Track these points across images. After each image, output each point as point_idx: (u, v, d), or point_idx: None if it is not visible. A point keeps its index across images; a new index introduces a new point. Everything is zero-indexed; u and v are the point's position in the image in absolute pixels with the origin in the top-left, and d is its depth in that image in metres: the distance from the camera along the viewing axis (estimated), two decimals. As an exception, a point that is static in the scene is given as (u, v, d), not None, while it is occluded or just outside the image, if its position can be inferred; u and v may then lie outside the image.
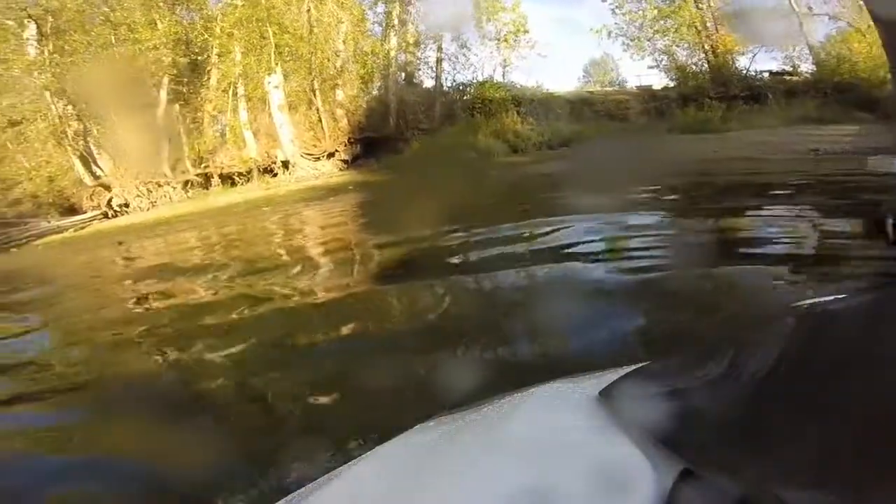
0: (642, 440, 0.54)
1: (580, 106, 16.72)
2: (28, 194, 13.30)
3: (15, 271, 8.74)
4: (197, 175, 14.57)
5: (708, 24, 16.51)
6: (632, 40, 17.06)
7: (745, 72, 16.47)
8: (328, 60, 15.40)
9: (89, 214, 13.48)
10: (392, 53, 16.17)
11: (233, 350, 2.93)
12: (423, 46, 16.55)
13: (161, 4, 14.06)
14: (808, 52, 15.95)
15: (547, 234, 4.78)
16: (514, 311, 3.03)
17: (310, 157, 15.27)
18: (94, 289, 5.95)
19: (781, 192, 5.92)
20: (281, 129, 15.04)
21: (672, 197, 6.41)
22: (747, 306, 2.56)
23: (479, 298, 3.54)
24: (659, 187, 6.66)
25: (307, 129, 15.45)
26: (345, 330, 3.11)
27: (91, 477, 1.90)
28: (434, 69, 16.63)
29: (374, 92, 16.25)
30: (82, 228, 13.07)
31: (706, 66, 16.66)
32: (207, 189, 14.62)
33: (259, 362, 2.75)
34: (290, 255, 6.12)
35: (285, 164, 15.02)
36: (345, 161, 15.41)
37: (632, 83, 17.66)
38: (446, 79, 16.71)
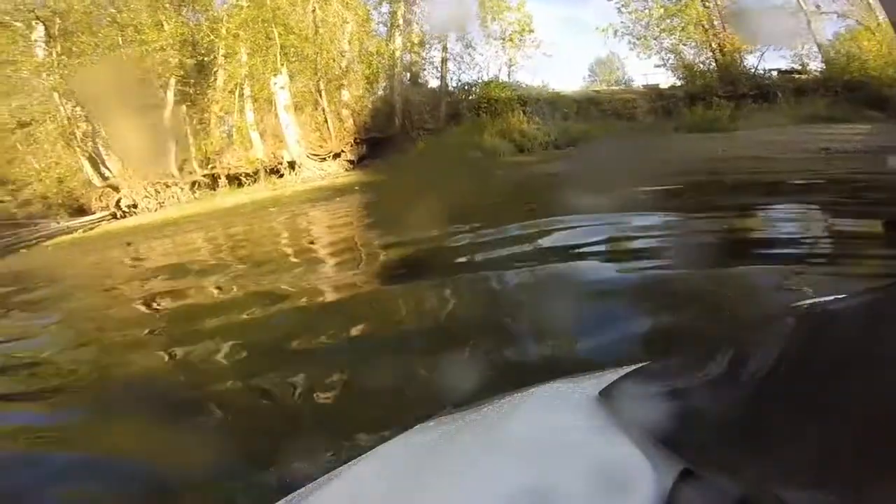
0: (642, 440, 0.54)
1: (587, 105, 16.65)
2: (38, 195, 13.45)
3: (25, 272, 8.83)
4: (204, 176, 14.67)
5: (715, 23, 16.37)
6: (638, 39, 16.97)
7: (753, 70, 16.32)
8: (333, 61, 15.43)
9: (98, 215, 13.61)
10: (397, 53, 16.19)
11: (239, 349, 2.95)
12: (428, 46, 16.57)
13: (167, 6, 14.17)
14: (816, 50, 15.80)
15: (552, 233, 4.77)
16: (519, 311, 3.02)
17: (316, 157, 15.31)
18: (103, 289, 6.00)
19: (790, 191, 5.87)
20: (287, 130, 15.10)
21: (679, 197, 6.38)
22: (753, 307, 2.54)
23: (485, 297, 3.54)
24: (666, 187, 6.63)
25: (313, 129, 15.49)
26: (352, 330, 3.11)
27: (113, 478, 1.90)
28: (439, 69, 16.62)
29: (380, 92, 16.27)
30: (91, 229, 13.19)
31: (714, 64, 16.52)
32: (214, 190, 14.71)
33: (266, 362, 2.76)
34: (297, 256, 6.15)
35: (291, 165, 15.08)
36: (351, 161, 15.43)
37: (638, 82, 17.58)
38: (451, 79, 16.71)
